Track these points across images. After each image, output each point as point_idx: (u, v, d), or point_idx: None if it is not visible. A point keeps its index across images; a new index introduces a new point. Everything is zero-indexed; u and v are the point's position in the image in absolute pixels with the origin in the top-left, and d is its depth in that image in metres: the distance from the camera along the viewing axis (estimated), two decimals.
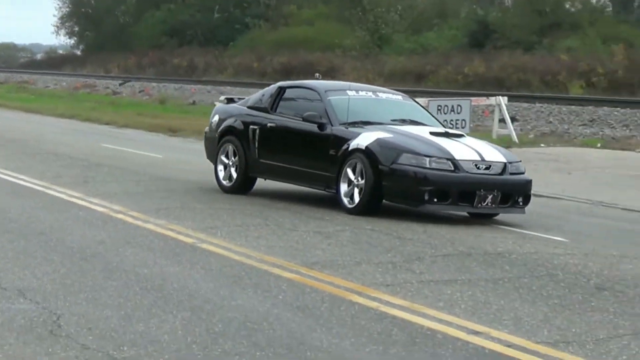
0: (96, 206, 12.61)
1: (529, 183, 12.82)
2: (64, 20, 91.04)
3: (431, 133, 13.03)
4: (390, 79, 47.84)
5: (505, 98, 26.01)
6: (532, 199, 13.06)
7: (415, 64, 50.81)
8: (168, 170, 17.46)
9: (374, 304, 7.60)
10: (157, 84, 54.45)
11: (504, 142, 20.67)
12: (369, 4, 60.15)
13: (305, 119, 13.46)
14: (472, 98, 26.71)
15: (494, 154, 12.74)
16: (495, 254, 10.26)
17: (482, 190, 12.23)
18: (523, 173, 12.90)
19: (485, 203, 12.29)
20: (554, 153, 21.71)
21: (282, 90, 14.41)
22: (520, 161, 13.11)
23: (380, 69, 51.35)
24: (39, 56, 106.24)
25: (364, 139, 12.66)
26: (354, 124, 13.31)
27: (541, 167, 18.86)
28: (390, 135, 12.81)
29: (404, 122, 13.79)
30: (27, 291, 7.81)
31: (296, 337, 6.53)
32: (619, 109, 30.90)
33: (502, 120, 24.44)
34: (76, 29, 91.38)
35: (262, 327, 6.77)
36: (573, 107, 32.26)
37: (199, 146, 24.67)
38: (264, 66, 60.38)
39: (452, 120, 22.20)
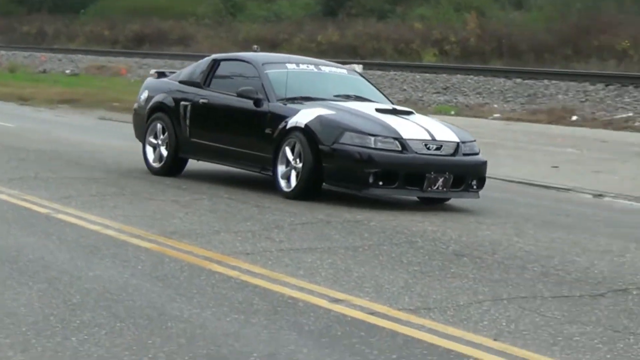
0: None
1: (483, 165, 11.97)
2: None
3: (377, 110, 12.15)
4: (245, 46, 47.88)
5: (360, 66, 26.45)
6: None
7: (269, 32, 50.77)
8: (20, 139, 17.00)
9: (234, 273, 7.57)
10: (5, 52, 53.15)
11: None
12: None
13: (239, 95, 12.46)
14: None
15: (445, 133, 11.88)
16: (354, 221, 10.34)
17: (432, 172, 11.35)
18: (477, 154, 12.02)
19: (436, 186, 11.42)
20: None
21: (216, 63, 13.46)
22: (475, 140, 12.22)
23: (234, 37, 51.09)
24: None
25: (303, 116, 11.71)
26: (293, 99, 12.39)
27: None
28: (333, 112, 11.88)
29: (348, 97, 12.90)
30: None
31: (156, 307, 6.43)
32: (471, 76, 31.65)
33: None
34: None
35: (121, 298, 6.66)
36: (427, 75, 32.90)
37: (50, 115, 24.47)
38: (115, 34, 59.56)
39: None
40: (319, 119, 11.64)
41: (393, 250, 8.91)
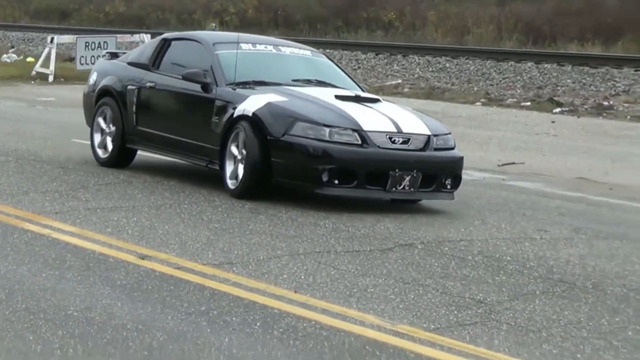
0: None
1: (459, 161, 10.61)
2: None
3: (337, 97, 10.79)
4: (35, 17, 48.99)
5: (149, 35, 26.78)
6: None
7: (60, 3, 50.83)
8: None
9: (45, 231, 7.93)
10: None
11: None
12: None
13: (185, 78, 11.17)
14: (118, 35, 28.38)
15: (415, 125, 10.50)
16: (155, 182, 10.95)
17: (397, 170, 9.99)
18: (452, 148, 10.68)
19: (402, 186, 10.04)
20: None
21: (166, 43, 12.22)
22: (449, 133, 10.84)
23: (27, 7, 50.95)
24: None
25: (251, 103, 10.43)
26: (244, 84, 11.06)
27: None
28: (285, 99, 10.64)
29: (308, 82, 11.58)
30: None
31: None
32: None
33: None
34: None
35: None
36: None
37: None
38: None
39: (99, 56, 22.40)
40: (269, 106, 10.38)
41: (193, 208, 9.41)
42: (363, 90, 11.84)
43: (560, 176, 13.49)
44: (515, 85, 25.10)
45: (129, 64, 12.19)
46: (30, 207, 8.95)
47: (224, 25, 42.49)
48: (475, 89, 24.83)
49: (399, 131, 10.14)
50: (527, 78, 25.82)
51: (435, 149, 10.34)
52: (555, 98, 22.32)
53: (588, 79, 25.07)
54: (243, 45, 11.81)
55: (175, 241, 7.92)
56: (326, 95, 10.82)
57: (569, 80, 25.21)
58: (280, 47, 12.26)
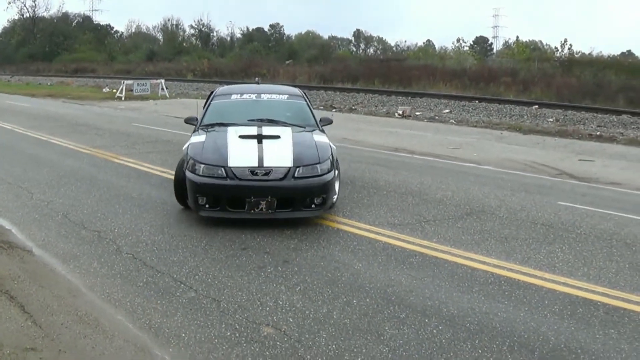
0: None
1: (323, 185, 11.73)
2: None
3: (241, 136, 12.28)
4: (117, 73, 78.61)
5: (163, 79, 47.59)
6: None
7: (127, 67, 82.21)
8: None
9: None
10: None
11: None
12: None
13: (186, 121, 13.97)
14: (151, 80, 50.81)
15: (279, 159, 11.73)
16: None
17: (252, 197, 11.46)
18: (320, 175, 11.76)
19: (259, 209, 11.49)
20: None
21: (209, 96, 14.65)
22: (320, 163, 11.91)
23: (113, 68, 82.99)
24: None
25: (189, 142, 12.59)
26: (210, 125, 13.25)
27: None
28: (202, 140, 12.39)
29: (260, 121, 13.24)
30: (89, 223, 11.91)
31: None
32: None
33: None
34: None
35: None
36: None
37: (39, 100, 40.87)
38: None
39: (142, 89, 46.71)
40: (190, 145, 12.34)
41: None
42: (319, 126, 13.69)
43: (334, 137, 16.99)
44: (315, 101, 38.48)
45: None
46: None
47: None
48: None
49: (260, 165, 11.50)
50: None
51: (296, 178, 11.53)
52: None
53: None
54: (233, 96, 14.12)
55: None
56: (235, 134, 12.37)
57: (339, 98, 40.93)
58: (262, 95, 14.16)
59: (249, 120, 13.27)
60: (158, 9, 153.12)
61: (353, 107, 36.47)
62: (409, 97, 40.87)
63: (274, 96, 14.29)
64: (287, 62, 73.86)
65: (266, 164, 11.63)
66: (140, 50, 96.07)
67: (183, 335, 7.76)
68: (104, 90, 51.63)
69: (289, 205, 11.65)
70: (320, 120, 14.00)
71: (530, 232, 11.96)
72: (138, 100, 41.34)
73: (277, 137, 12.30)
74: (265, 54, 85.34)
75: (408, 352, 7.42)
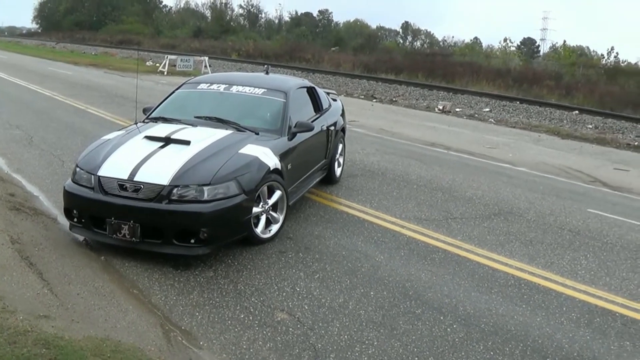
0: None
1: (201, 215, 8.80)
2: None
3: (147, 137, 10.06)
4: (162, 47, 79.73)
5: (207, 57, 51.63)
6: None
7: (172, 41, 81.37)
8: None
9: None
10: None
11: None
12: None
13: (142, 111, 12.06)
14: (195, 57, 51.30)
15: (157, 173, 9.08)
16: None
17: (113, 218, 8.94)
18: (204, 201, 8.90)
19: (122, 234, 8.94)
20: None
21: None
22: (208, 185, 9.03)
23: (158, 42, 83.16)
24: None
25: (103, 137, 10.64)
26: (155, 119, 11.40)
27: None
28: (109, 138, 10.41)
29: (208, 119, 11.04)
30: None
31: None
32: None
33: None
34: None
35: None
36: None
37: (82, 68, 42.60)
38: None
39: (185, 65, 47.58)
40: (89, 147, 10.22)
41: None
42: (285, 132, 11.10)
43: (371, 128, 23.83)
44: (357, 90, 41.06)
45: None
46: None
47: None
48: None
49: (131, 179, 9.02)
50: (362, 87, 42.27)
51: (172, 201, 8.89)
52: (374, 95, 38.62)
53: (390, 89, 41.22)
54: (201, 85, 12.11)
55: None
56: (140, 134, 10.31)
57: (380, 89, 42.03)
58: (232, 87, 11.99)
59: (194, 117, 11.18)
60: None
61: (394, 99, 36.45)
62: (451, 93, 40.90)
63: (247, 89, 11.92)
64: (333, 49, 74.39)
65: (138, 177, 9.10)
66: (187, 26, 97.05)
67: (197, 314, 7.91)
68: (147, 63, 53.13)
69: (158, 235, 9.01)
70: (296, 125, 11.30)
71: (556, 237, 12.00)
72: (180, 76, 41.48)
73: (187, 142, 9.88)
74: (311, 39, 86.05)
75: (420, 348, 7.49)
